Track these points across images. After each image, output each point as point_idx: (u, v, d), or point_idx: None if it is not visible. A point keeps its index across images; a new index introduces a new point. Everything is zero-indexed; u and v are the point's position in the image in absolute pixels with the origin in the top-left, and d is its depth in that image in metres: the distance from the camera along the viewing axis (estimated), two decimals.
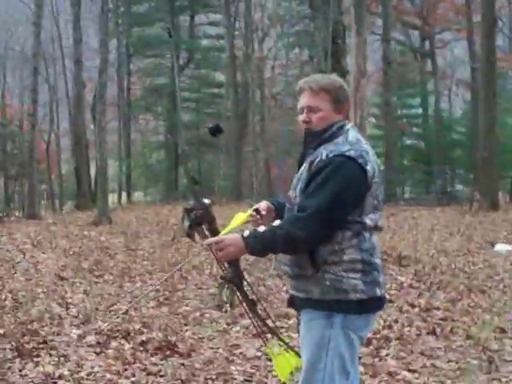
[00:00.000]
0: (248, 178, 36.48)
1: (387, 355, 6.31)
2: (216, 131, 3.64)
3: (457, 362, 6.18)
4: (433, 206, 29.60)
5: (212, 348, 6.64)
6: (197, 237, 3.48)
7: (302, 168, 3.41)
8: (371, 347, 6.46)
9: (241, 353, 6.46)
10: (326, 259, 3.26)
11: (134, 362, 6.05)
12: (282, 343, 3.58)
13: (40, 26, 26.23)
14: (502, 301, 8.74)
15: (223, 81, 42.92)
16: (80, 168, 32.38)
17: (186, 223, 3.40)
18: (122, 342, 6.74)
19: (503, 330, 7.26)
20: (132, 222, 21.83)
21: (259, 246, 3.19)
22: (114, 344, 6.65)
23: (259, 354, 6.37)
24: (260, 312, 3.64)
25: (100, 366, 5.92)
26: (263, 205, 3.62)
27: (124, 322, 7.52)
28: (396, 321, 7.55)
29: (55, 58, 41.36)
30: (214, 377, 5.75)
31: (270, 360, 5.82)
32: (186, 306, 8.56)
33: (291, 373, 3.52)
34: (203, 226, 3.42)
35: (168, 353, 6.37)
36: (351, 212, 3.26)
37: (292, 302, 3.58)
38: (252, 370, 5.94)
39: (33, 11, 28.37)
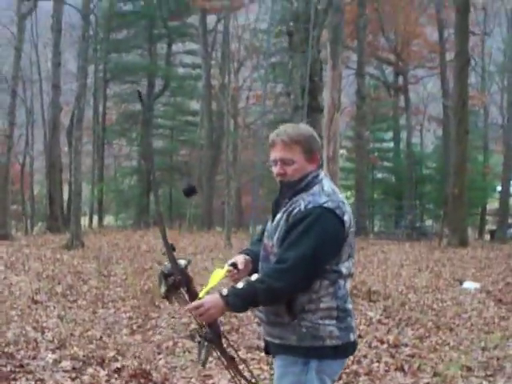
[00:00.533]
0: (220, 206, 36.55)
1: None
2: (190, 192, 3.70)
3: None
4: (402, 241, 29.84)
5: (185, 378, 6.74)
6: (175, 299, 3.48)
7: (278, 217, 3.46)
8: (341, 382, 6.58)
9: (213, 383, 6.58)
10: (303, 307, 3.34)
11: None
12: None
13: (21, 50, 26.37)
14: (468, 339, 8.86)
15: (198, 109, 43.19)
16: (53, 190, 32.27)
17: (163, 288, 3.41)
18: (98, 368, 6.84)
19: (470, 369, 7.39)
20: (104, 246, 21.82)
21: (240, 302, 3.25)
22: (89, 370, 6.75)
23: None
24: (235, 364, 3.61)
25: None
26: (240, 259, 3.61)
27: (99, 348, 7.63)
28: (365, 356, 7.66)
29: (33, 81, 41.28)
30: None
31: None
32: (159, 334, 8.66)
33: None
34: (181, 290, 3.42)
35: (142, 381, 6.48)
36: (329, 261, 3.35)
37: (266, 347, 3.67)
38: None
39: (15, 35, 28.55)
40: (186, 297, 3.43)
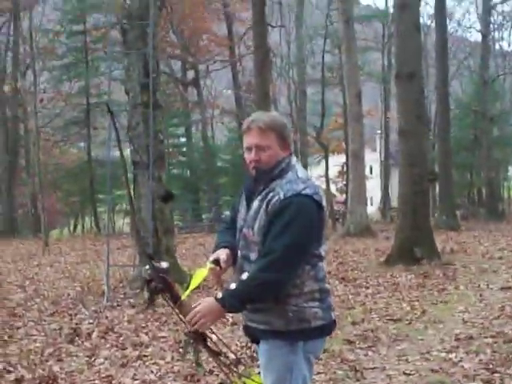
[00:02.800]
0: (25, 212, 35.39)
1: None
2: (168, 198, 3.71)
3: (326, 374, 6.59)
4: (207, 233, 30.37)
5: (89, 380, 6.58)
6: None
7: (256, 205, 3.46)
8: None
9: (120, 382, 6.46)
10: (288, 292, 3.38)
11: None
12: (244, 376, 3.64)
13: None
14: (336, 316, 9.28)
15: None
16: None
17: (146, 294, 3.48)
18: None
19: (351, 342, 7.83)
20: None
21: (237, 303, 3.26)
22: None
23: (136, 382, 6.45)
24: (222, 359, 3.63)
25: None
26: (222, 255, 3.53)
27: None
28: None
29: None
30: None
31: None
32: (35, 342, 8.31)
33: None
34: (164, 294, 3.40)
35: None
36: (313, 246, 3.44)
37: (248, 333, 3.66)
38: None
39: None
40: (169, 301, 3.40)
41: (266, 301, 3.38)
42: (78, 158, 39.46)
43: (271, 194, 3.40)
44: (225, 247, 3.59)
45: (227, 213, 43.17)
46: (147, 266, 3.43)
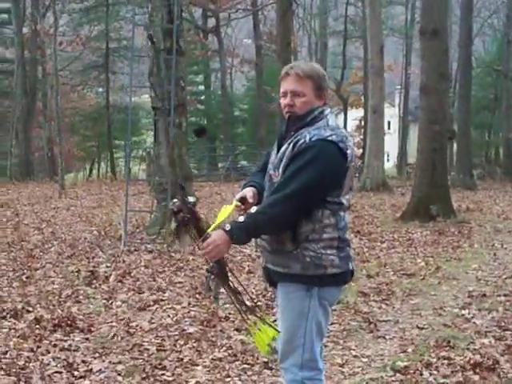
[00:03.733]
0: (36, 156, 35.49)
1: None
2: (201, 133, 3.76)
3: (340, 324, 6.70)
4: (223, 182, 30.39)
5: (107, 322, 6.69)
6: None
7: (284, 148, 3.58)
8: None
9: (137, 325, 6.55)
10: (307, 237, 3.49)
11: (41, 340, 5.98)
12: (260, 320, 3.69)
13: None
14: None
15: (9, 57, 41.06)
16: None
17: (173, 225, 3.55)
18: (13, 321, 6.61)
19: (365, 294, 7.94)
20: None
21: (243, 234, 3.35)
22: (6, 323, 6.53)
23: (153, 325, 6.53)
24: (241, 298, 3.73)
25: (8, 346, 5.80)
26: (249, 193, 3.69)
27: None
28: None
29: None
30: (129, 348, 5.85)
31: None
32: (53, 283, 8.44)
33: (269, 344, 3.68)
34: (190, 226, 3.47)
35: (68, 329, 6.35)
36: (331, 193, 3.51)
37: (267, 275, 3.77)
38: (158, 340, 6.08)
39: None
40: (195, 233, 3.47)
41: (271, 234, 3.54)
42: (96, 102, 39.45)
43: (298, 137, 3.52)
44: (252, 186, 3.74)
45: (243, 162, 43.27)
46: (175, 199, 3.52)
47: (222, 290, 3.60)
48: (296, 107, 3.58)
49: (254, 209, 3.45)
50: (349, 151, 3.50)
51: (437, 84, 15.13)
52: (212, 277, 3.53)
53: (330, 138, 3.46)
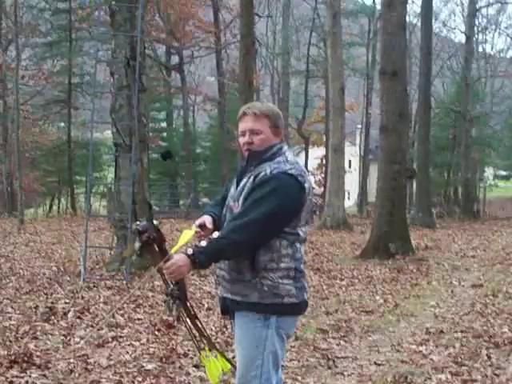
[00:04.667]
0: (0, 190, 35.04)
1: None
2: (167, 156, 3.86)
3: (298, 361, 6.72)
4: (184, 219, 30.32)
5: (64, 358, 6.61)
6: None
7: (244, 181, 3.71)
8: None
9: (95, 362, 6.50)
10: (265, 266, 3.60)
11: None
12: (213, 352, 3.81)
13: None
14: (310, 306, 9.38)
15: None
16: None
17: (137, 245, 3.51)
18: None
19: (324, 331, 7.98)
20: None
21: (205, 259, 3.44)
22: None
23: (112, 362, 6.48)
24: (199, 323, 3.88)
25: None
26: (208, 219, 3.82)
27: None
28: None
29: None
30: None
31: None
32: (10, 320, 8.33)
33: (219, 376, 3.77)
34: (154, 247, 3.53)
35: (25, 365, 6.26)
36: (288, 224, 3.63)
37: (224, 305, 3.85)
38: (116, 377, 6.04)
39: None
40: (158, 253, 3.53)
41: (230, 259, 3.63)
42: (58, 137, 39.15)
43: (259, 171, 3.67)
44: (210, 216, 3.85)
45: (205, 199, 43.25)
46: (138, 221, 3.61)
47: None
48: (254, 144, 3.73)
49: (216, 234, 3.53)
50: (306, 184, 3.66)
51: (396, 124, 15.38)
52: (172, 299, 3.60)
53: (289, 172, 3.62)
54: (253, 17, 24.49)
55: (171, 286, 3.59)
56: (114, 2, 11.91)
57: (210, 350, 3.83)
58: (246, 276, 3.62)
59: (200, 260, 3.41)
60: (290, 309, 3.68)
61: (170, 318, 3.61)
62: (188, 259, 3.39)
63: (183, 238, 3.64)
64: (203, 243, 3.46)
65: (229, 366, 3.77)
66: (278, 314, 3.64)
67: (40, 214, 35.71)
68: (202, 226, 3.77)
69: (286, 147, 3.82)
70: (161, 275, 3.58)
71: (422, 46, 28.39)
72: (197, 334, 3.82)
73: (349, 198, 47.78)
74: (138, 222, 3.55)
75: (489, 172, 53.41)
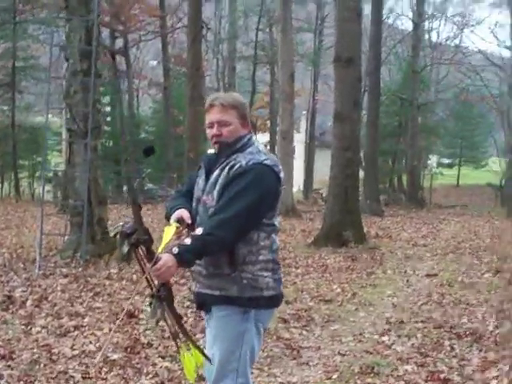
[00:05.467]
0: None
1: None
2: (149, 152, 3.77)
3: (263, 351, 6.69)
4: (129, 204, 29.97)
5: (28, 348, 6.50)
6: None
7: (216, 173, 3.65)
8: None
9: (59, 352, 6.40)
10: (244, 259, 3.57)
11: None
12: (190, 346, 3.70)
13: None
14: None
15: None
16: None
17: (125, 248, 3.41)
18: None
19: (285, 321, 7.99)
20: None
21: (191, 257, 3.39)
22: None
23: (76, 352, 6.39)
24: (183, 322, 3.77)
25: None
26: (185, 213, 3.73)
27: None
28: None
29: None
30: (53, 376, 5.71)
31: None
32: None
33: (195, 371, 3.69)
34: (141, 248, 3.45)
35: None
36: (266, 215, 3.62)
37: (200, 300, 3.80)
38: (82, 368, 5.96)
39: None
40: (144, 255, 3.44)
41: (215, 255, 3.54)
42: (1, 121, 38.39)
43: (232, 163, 3.62)
44: (186, 209, 3.76)
45: (150, 185, 42.93)
46: (122, 222, 3.47)
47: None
48: (223, 136, 3.69)
49: (199, 230, 3.46)
50: (281, 174, 3.66)
51: (350, 111, 15.44)
52: (159, 301, 3.50)
53: (265, 162, 3.60)
54: (200, 1, 24.38)
55: (157, 287, 3.50)
56: None
57: (188, 348, 3.72)
58: (225, 270, 3.57)
59: (187, 259, 3.36)
60: (268, 301, 3.66)
61: (147, 316, 3.45)
62: (174, 258, 3.32)
63: (166, 237, 3.54)
64: (188, 241, 3.40)
65: (201, 359, 3.68)
66: (257, 307, 3.62)
67: None
68: (180, 221, 3.68)
69: (254, 137, 3.82)
70: (145, 278, 3.48)
71: (371, 33, 28.49)
72: (180, 334, 3.70)
73: (292, 185, 47.91)
74: (121, 223, 3.45)
75: (433, 160, 54.12)
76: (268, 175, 3.58)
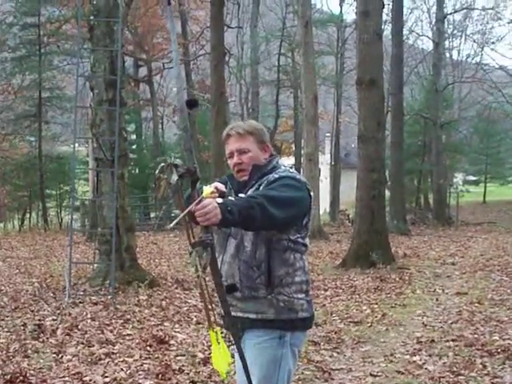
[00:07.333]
0: None
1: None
2: (193, 104, 3.55)
3: (294, 374, 6.66)
4: (156, 231, 30.19)
5: (59, 377, 6.55)
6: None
7: (251, 191, 3.60)
8: None
9: (91, 379, 6.44)
10: (281, 280, 3.53)
11: None
12: (220, 339, 3.42)
13: None
14: None
15: None
16: None
17: (175, 177, 3.16)
18: None
19: (315, 343, 7.97)
20: None
21: (236, 209, 3.13)
22: None
23: (107, 379, 6.43)
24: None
25: None
26: (220, 185, 3.52)
27: None
28: None
29: None
30: None
31: None
32: None
33: (229, 363, 3.44)
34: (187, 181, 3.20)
35: None
36: (300, 231, 3.58)
37: (234, 324, 3.59)
38: None
39: None
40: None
41: (256, 223, 3.26)
42: (28, 152, 38.78)
43: (266, 178, 3.61)
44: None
45: (177, 211, 42.95)
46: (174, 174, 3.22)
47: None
48: (244, 164, 3.67)
49: (241, 195, 3.43)
50: (312, 193, 3.65)
51: (374, 132, 15.46)
52: (203, 247, 3.17)
53: (298, 177, 3.61)
54: (223, 28, 24.63)
55: (200, 234, 3.19)
56: (92, 17, 11.86)
57: (221, 332, 3.46)
58: (261, 293, 3.53)
59: (231, 209, 3.10)
60: (303, 323, 3.65)
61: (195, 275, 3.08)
62: (217, 207, 3.08)
63: (207, 191, 3.22)
64: (231, 198, 3.32)
65: (230, 359, 3.41)
66: (292, 329, 3.59)
67: (10, 228, 35.39)
68: (217, 189, 3.43)
69: (280, 160, 3.83)
70: (186, 224, 3.24)
71: (393, 54, 28.51)
72: (214, 305, 3.48)
73: (319, 207, 47.87)
74: (166, 159, 3.25)
75: (459, 178, 53.83)
76: (302, 186, 3.56)
